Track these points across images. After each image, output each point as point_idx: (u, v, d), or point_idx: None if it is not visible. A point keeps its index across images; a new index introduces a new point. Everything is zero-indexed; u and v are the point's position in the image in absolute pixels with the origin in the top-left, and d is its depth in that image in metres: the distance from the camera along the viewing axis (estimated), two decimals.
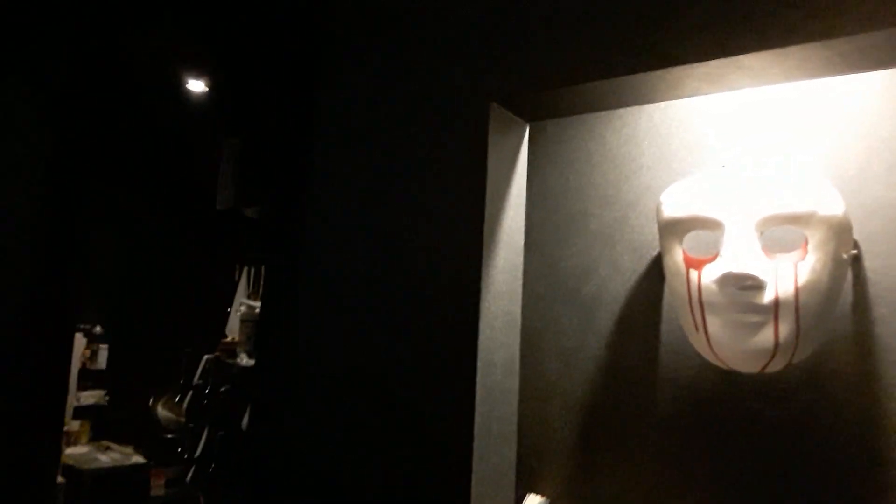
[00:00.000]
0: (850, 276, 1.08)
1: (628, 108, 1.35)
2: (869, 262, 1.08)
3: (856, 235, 1.08)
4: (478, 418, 1.07)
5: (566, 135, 1.42)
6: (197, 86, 3.85)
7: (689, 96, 1.09)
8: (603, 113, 1.38)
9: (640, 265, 1.30)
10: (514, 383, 1.20)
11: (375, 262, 1.30)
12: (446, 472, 1.11)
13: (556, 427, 1.33)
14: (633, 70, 1.03)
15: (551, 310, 1.39)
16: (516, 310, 1.23)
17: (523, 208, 1.26)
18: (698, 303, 1.09)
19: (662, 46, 1.02)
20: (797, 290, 1.01)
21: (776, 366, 1.04)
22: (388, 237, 1.29)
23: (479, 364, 1.08)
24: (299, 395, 1.42)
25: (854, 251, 1.08)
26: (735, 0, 0.97)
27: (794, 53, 0.92)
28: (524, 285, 1.40)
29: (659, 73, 1.01)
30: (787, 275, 1.02)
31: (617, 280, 1.32)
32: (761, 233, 1.05)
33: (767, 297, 1.02)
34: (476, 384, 1.07)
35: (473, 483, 1.04)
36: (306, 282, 1.44)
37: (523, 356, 1.39)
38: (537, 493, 1.34)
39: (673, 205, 1.15)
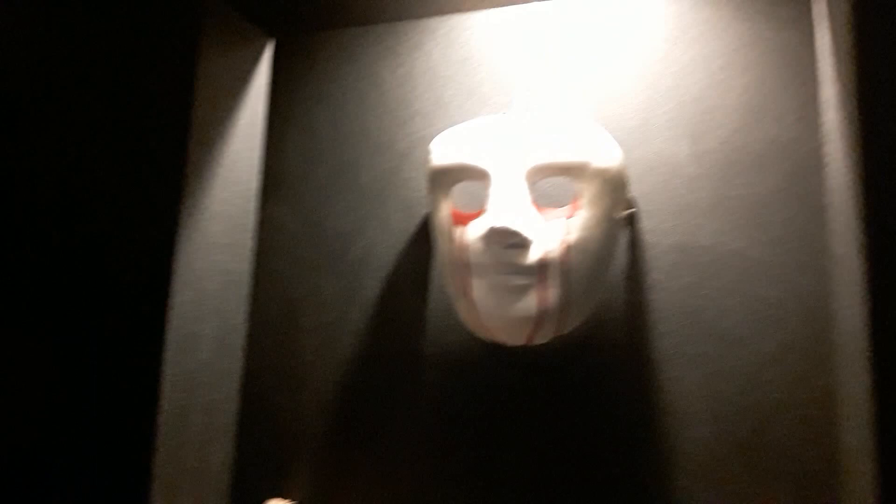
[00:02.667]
0: (625, 237, 0.97)
1: (406, 46, 1.16)
2: (645, 223, 0.96)
3: (633, 192, 0.97)
4: (165, 407, 0.82)
5: (338, 73, 1.20)
6: None
7: (461, 10, 0.92)
8: (379, 49, 1.18)
9: (411, 224, 1.11)
10: (235, 363, 0.96)
11: (44, 188, 0.99)
12: (119, 478, 0.84)
13: (310, 415, 1.11)
14: None
15: (312, 277, 1.16)
16: (242, 268, 0.99)
17: (259, 143, 1.02)
18: (463, 264, 0.92)
19: None
20: (566, 250, 0.87)
21: (543, 336, 0.89)
22: (66, 159, 0.99)
23: (172, 336, 0.83)
24: None
25: (631, 209, 0.96)
26: None
27: None
28: (284, 249, 1.17)
29: None
30: (555, 232, 0.87)
31: (386, 242, 1.12)
32: (532, 184, 0.89)
33: (533, 257, 0.86)
34: (163, 362, 0.82)
35: (154, 491, 0.79)
36: None
37: (279, 333, 1.15)
38: (286, 496, 1.11)
39: (441, 153, 0.97)
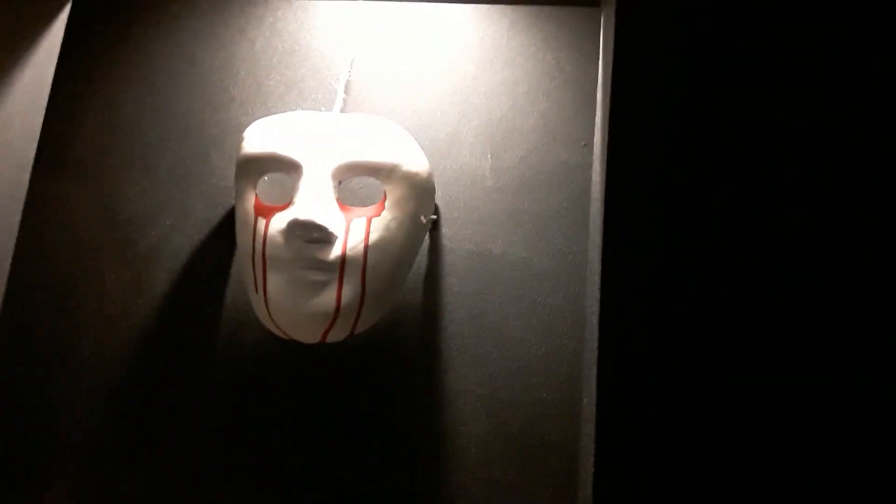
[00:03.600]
0: (427, 242, 1.01)
1: (229, 29, 1.11)
2: (446, 229, 1.01)
3: (438, 200, 1.02)
4: None
5: (149, 47, 1.13)
6: None
7: None
8: (199, 28, 1.12)
9: (214, 215, 1.06)
10: None
11: None
12: None
13: (87, 412, 1.01)
14: None
15: (97, 265, 1.06)
16: (5, 244, 0.89)
17: (41, 109, 0.93)
18: (262, 257, 0.89)
19: None
20: (367, 249, 0.88)
21: (338, 334, 0.89)
22: None
23: None
24: None
25: (434, 216, 1.00)
26: None
27: None
28: (63, 230, 1.06)
29: None
30: (358, 231, 0.88)
31: (184, 231, 1.06)
32: (339, 182, 0.90)
33: (334, 253, 0.86)
34: None
35: None
36: None
37: (48, 322, 1.04)
38: (55, 496, 1.00)
39: (254, 140, 0.95)
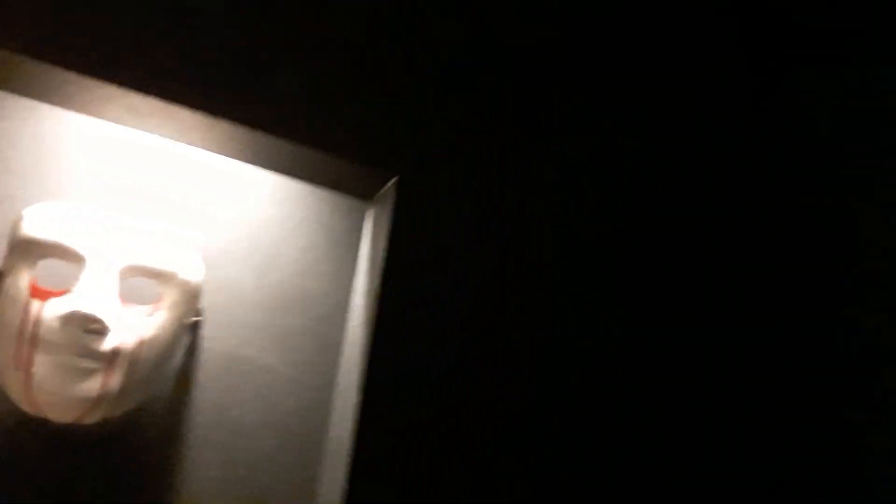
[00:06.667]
0: (188, 339, 1.17)
1: (13, 98, 1.15)
2: (206, 332, 1.19)
3: (204, 304, 1.19)
4: None
5: None
6: None
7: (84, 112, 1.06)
8: None
9: None
10: None
11: None
12: None
13: None
14: None
15: None
16: None
17: None
18: (31, 337, 0.96)
19: None
20: (139, 344, 1.02)
21: (93, 417, 1.00)
22: None
23: None
24: None
25: (198, 318, 1.17)
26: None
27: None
28: None
29: None
30: (133, 326, 1.02)
31: None
32: (122, 280, 1.03)
33: (108, 345, 0.98)
34: None
35: None
36: None
37: None
38: None
39: (37, 224, 1.02)
